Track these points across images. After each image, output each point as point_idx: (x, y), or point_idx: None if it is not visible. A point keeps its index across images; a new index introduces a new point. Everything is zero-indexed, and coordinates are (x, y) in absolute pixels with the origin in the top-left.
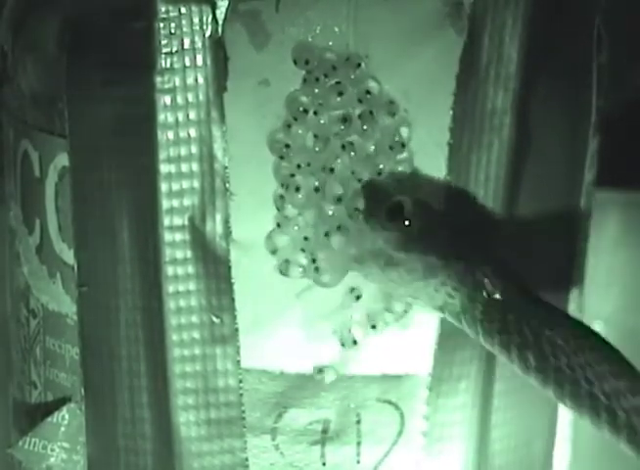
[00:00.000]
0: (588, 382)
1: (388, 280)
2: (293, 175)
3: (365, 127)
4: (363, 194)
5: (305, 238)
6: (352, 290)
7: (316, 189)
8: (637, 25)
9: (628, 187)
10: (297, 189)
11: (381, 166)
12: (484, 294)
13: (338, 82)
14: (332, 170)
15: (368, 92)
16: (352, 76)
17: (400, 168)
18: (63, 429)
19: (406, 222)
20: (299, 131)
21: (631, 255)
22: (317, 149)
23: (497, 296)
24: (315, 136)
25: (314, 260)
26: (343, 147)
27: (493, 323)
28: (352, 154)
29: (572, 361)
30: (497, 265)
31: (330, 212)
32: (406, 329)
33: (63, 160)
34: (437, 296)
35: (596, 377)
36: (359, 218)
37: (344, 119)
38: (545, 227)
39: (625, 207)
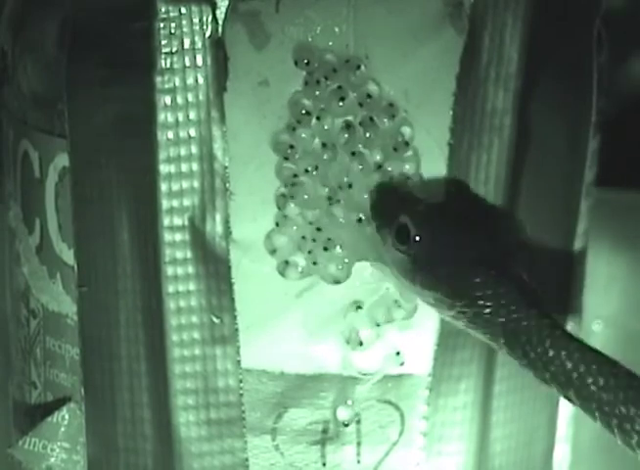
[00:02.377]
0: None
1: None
2: (296, 175)
3: (368, 134)
4: (372, 215)
5: (303, 237)
6: (354, 302)
7: (329, 198)
8: (637, 25)
9: (628, 187)
10: (301, 190)
11: (389, 169)
12: (502, 330)
13: (339, 87)
14: (339, 176)
15: (369, 96)
16: (352, 79)
17: (407, 167)
18: (63, 429)
19: (416, 238)
20: (304, 135)
21: (631, 255)
22: (325, 156)
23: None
24: (324, 144)
25: (315, 263)
26: (353, 154)
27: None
28: (361, 162)
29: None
30: (510, 294)
31: (339, 220)
32: (406, 329)
33: (63, 160)
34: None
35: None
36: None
37: (348, 127)
38: (545, 227)
39: (625, 207)
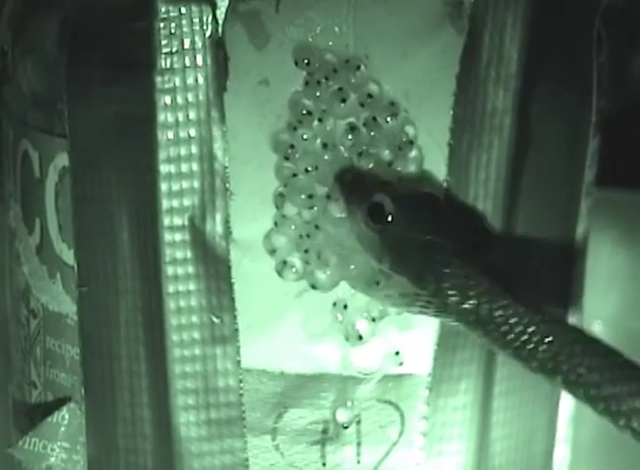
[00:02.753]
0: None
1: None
2: (295, 175)
3: (372, 134)
4: (342, 193)
5: (300, 236)
6: (353, 299)
7: (327, 197)
8: (637, 25)
9: (628, 187)
10: (299, 189)
11: (399, 169)
12: (473, 317)
13: (340, 88)
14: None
15: (370, 95)
16: (353, 80)
17: (412, 167)
18: (63, 429)
19: (388, 218)
20: (305, 135)
21: (631, 255)
22: (326, 157)
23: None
24: (324, 145)
25: (308, 262)
26: (360, 154)
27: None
28: (369, 162)
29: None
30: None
31: (337, 215)
32: (406, 329)
33: (63, 160)
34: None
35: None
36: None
37: (352, 129)
38: (545, 227)
39: (625, 207)
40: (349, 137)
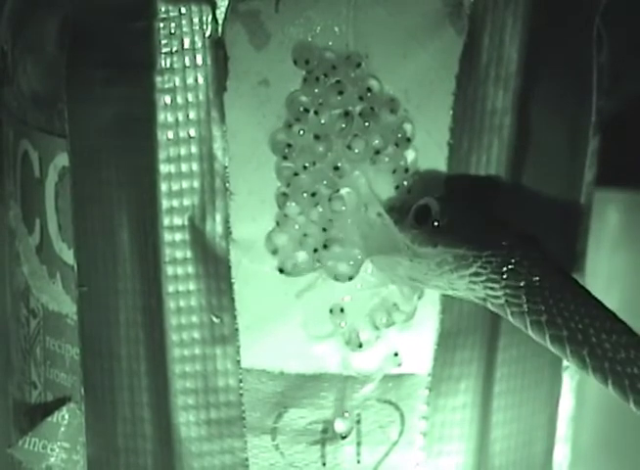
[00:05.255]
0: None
1: (418, 273)
2: (297, 174)
3: (367, 124)
4: (386, 202)
5: (305, 235)
6: (355, 303)
7: (326, 187)
8: (637, 25)
9: (628, 187)
10: (302, 188)
11: (386, 161)
12: (524, 282)
13: (338, 81)
14: (337, 169)
15: (369, 90)
16: (352, 75)
17: (408, 165)
18: (63, 429)
19: (435, 223)
20: (301, 132)
21: (631, 255)
22: (321, 149)
23: (537, 283)
24: (316, 137)
25: (319, 260)
26: (349, 147)
27: (540, 315)
28: (357, 151)
29: (617, 356)
30: (534, 251)
31: (341, 213)
32: (406, 329)
33: (63, 160)
34: (477, 288)
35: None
36: (379, 222)
37: (346, 115)
38: (545, 227)
39: (625, 207)
40: (342, 124)
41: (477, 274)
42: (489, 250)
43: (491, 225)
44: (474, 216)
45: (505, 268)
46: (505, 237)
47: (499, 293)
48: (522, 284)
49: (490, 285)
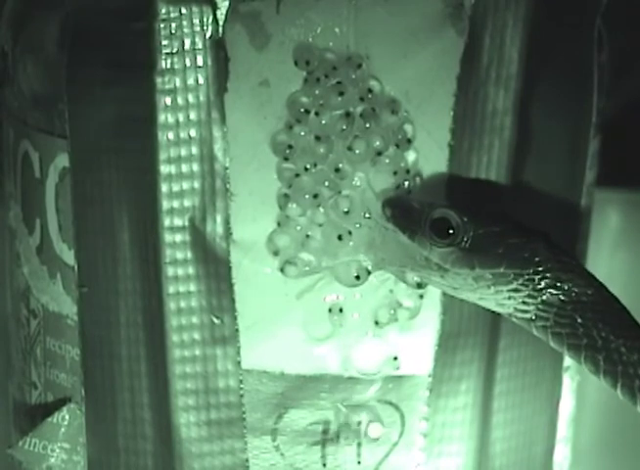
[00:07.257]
0: None
1: (449, 286)
2: (298, 175)
3: (368, 125)
4: (392, 213)
5: (307, 236)
6: (356, 303)
7: (328, 188)
8: (637, 25)
9: (628, 187)
10: (303, 189)
11: (387, 162)
12: (559, 299)
13: (338, 82)
14: (338, 170)
15: (370, 90)
16: (353, 76)
17: (409, 166)
18: (63, 429)
19: (461, 240)
20: (302, 133)
21: (631, 255)
22: (322, 150)
23: (572, 299)
24: (317, 137)
25: (321, 262)
26: (350, 148)
27: (564, 327)
28: (358, 152)
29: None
30: (566, 262)
31: (343, 214)
32: (407, 330)
33: (63, 160)
34: (509, 303)
35: None
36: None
37: (347, 116)
38: (545, 227)
39: (625, 207)
40: (343, 125)
41: (516, 291)
42: (529, 268)
43: (513, 232)
44: (495, 225)
45: (544, 285)
46: (533, 248)
47: (531, 308)
48: (558, 302)
49: (527, 300)
